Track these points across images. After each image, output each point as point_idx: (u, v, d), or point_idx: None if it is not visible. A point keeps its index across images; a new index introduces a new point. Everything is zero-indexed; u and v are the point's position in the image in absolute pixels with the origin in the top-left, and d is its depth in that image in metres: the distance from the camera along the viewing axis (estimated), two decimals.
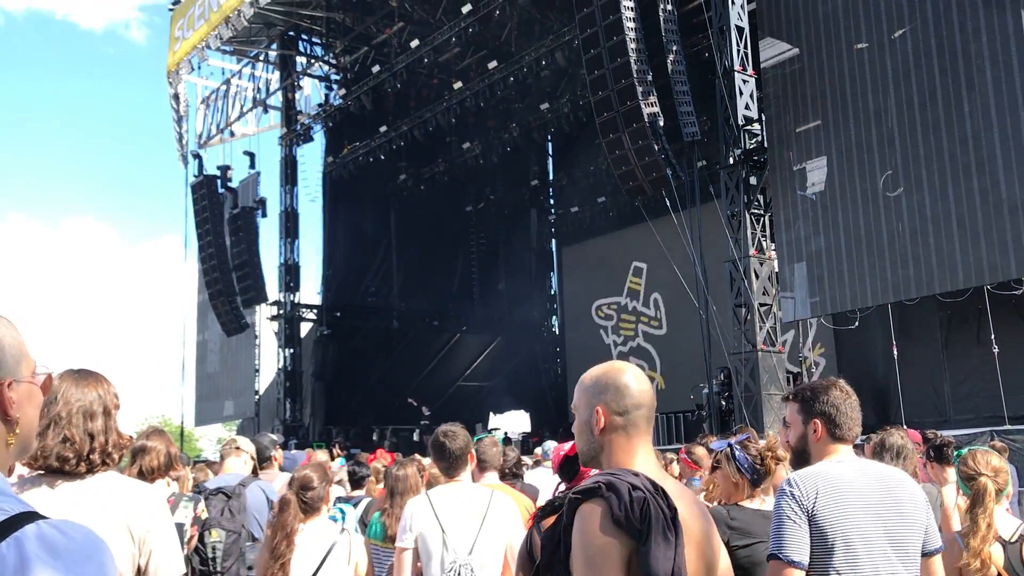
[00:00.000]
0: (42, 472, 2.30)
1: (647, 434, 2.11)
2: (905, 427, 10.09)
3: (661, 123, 15.17)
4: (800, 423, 2.96)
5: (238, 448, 5.40)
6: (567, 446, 3.12)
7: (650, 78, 15.20)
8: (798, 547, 2.66)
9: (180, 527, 4.58)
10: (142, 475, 4.21)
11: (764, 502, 3.47)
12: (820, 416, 2.89)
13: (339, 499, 6.67)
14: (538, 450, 9.58)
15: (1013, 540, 3.50)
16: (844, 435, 2.87)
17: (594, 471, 2.13)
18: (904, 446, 4.62)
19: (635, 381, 2.13)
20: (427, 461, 5.19)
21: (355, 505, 6.13)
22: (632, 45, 14.88)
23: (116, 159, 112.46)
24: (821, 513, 2.68)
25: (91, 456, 2.32)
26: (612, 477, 1.91)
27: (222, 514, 4.77)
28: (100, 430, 2.34)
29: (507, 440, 23.57)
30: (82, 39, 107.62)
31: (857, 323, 14.58)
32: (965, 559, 3.46)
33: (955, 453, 4.03)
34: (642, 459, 2.07)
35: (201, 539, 4.66)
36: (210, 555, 4.65)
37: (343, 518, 5.78)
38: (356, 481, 6.91)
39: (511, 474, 6.58)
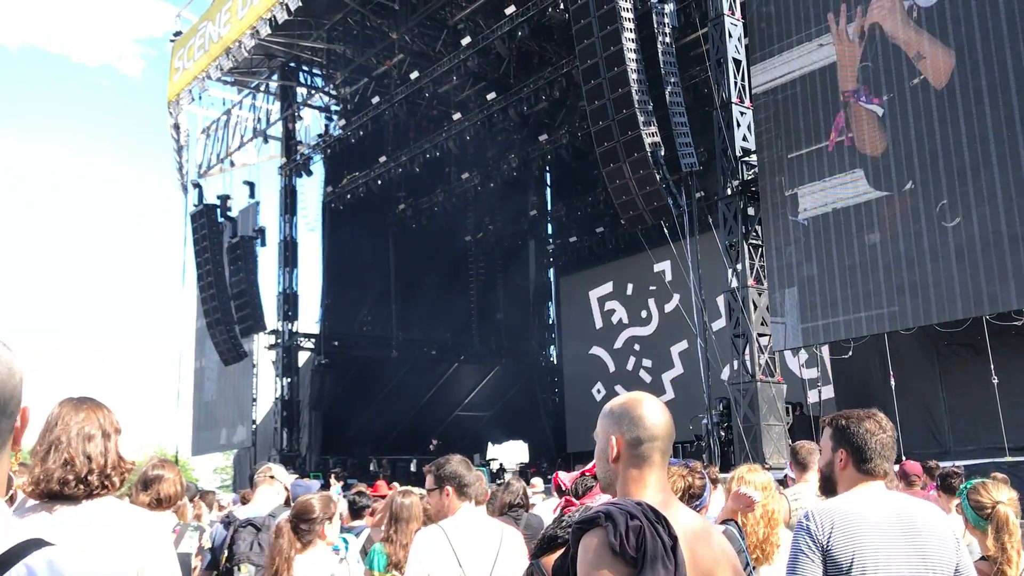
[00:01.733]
0: (41, 498, 2.29)
1: (660, 466, 2.13)
2: (905, 458, 10.07)
3: (662, 153, 15.27)
4: (829, 450, 2.95)
5: (272, 477, 5.13)
6: (572, 475, 3.18)
7: (651, 108, 15.32)
8: None
9: (187, 557, 4.49)
10: (158, 503, 4.14)
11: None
12: (848, 446, 2.88)
13: (341, 528, 6.62)
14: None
15: None
16: (871, 469, 2.84)
17: (599, 498, 2.14)
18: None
19: (652, 413, 2.14)
20: (417, 491, 5.12)
21: (356, 535, 6.08)
22: (633, 76, 15.02)
23: (112, 191, 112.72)
24: (836, 547, 2.68)
25: (89, 478, 2.30)
26: (612, 506, 1.91)
27: (251, 548, 4.52)
28: (99, 452, 2.33)
29: (500, 471, 23.48)
30: (76, 72, 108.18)
31: (851, 352, 14.58)
32: None
33: (963, 485, 4.00)
34: (652, 489, 2.09)
35: (230, 574, 4.48)
36: None
37: (346, 547, 5.73)
38: (356, 511, 6.85)
39: (516, 506, 6.47)
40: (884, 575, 2.65)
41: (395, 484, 8.08)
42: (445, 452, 4.24)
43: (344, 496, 8.79)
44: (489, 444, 29.43)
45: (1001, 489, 3.61)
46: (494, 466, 25.02)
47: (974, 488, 3.64)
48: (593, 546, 1.86)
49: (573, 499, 3.09)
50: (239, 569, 4.51)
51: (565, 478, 3.42)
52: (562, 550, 2.70)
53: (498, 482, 12.52)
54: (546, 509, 6.93)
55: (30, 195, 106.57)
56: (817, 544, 2.70)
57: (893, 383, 14.10)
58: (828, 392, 18.24)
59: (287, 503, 5.11)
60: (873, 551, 2.67)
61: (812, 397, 16.67)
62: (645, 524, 1.85)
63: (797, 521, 2.84)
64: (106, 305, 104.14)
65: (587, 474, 3.17)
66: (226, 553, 4.66)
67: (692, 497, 3.61)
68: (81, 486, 2.28)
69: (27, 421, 1.39)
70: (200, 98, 25.92)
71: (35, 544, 1.24)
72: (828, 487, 2.96)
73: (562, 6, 18.60)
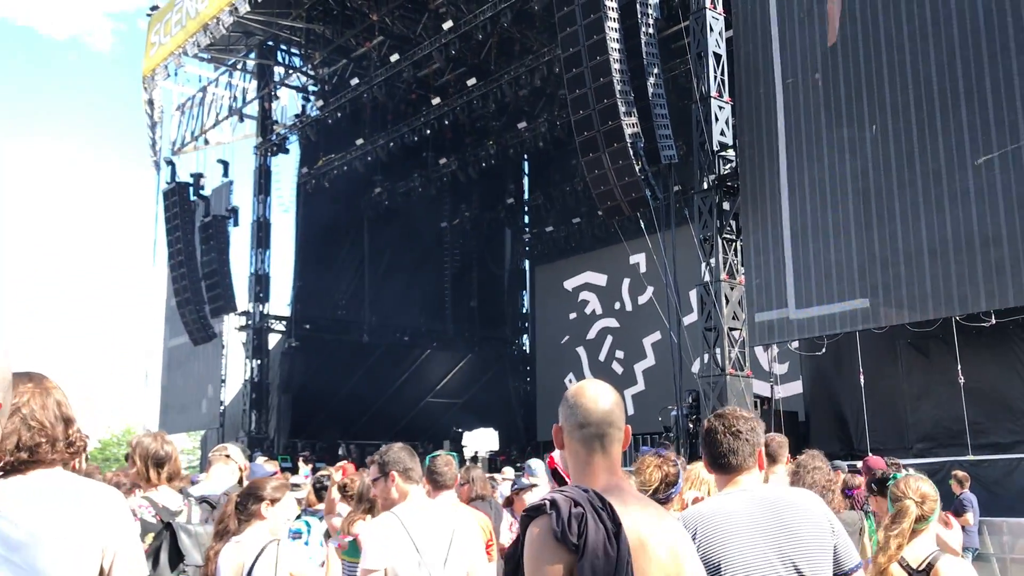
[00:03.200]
0: None
1: (603, 451, 2.15)
2: (869, 454, 10.17)
3: (642, 144, 15.25)
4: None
5: (227, 456, 5.21)
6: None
7: (632, 98, 15.28)
8: None
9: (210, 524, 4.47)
10: (170, 479, 4.14)
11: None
12: (704, 449, 2.95)
13: (305, 511, 6.56)
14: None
15: (920, 568, 3.46)
16: (723, 466, 2.87)
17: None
18: (817, 467, 4.86)
19: (590, 400, 2.18)
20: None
21: (321, 518, 6.03)
22: (616, 65, 14.96)
23: (82, 166, 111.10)
24: (701, 551, 2.61)
25: (42, 448, 2.22)
26: (557, 494, 1.97)
27: (205, 523, 4.52)
28: (53, 421, 2.25)
29: (474, 459, 23.48)
30: (44, 46, 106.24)
31: (824, 350, 14.70)
32: (869, 574, 3.43)
33: (892, 475, 4.05)
34: (599, 475, 2.12)
35: None
36: None
37: (308, 530, 5.68)
38: (320, 493, 6.79)
39: (480, 497, 6.47)
40: (756, 569, 2.64)
41: (362, 469, 8.00)
42: (407, 439, 4.28)
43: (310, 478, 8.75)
44: (460, 431, 29.43)
45: (922, 484, 3.65)
46: (466, 453, 25.03)
47: (898, 481, 3.70)
48: (537, 533, 1.94)
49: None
50: None
51: (561, 462, 3.40)
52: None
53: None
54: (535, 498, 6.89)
55: None
56: None
57: (862, 380, 14.25)
58: (796, 388, 18.43)
59: (240, 483, 5.10)
60: (738, 550, 2.66)
61: (779, 392, 16.79)
62: (588, 511, 1.92)
63: None
64: (75, 283, 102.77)
65: None
66: None
67: (667, 485, 3.63)
68: (25, 455, 2.20)
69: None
70: (176, 74, 25.57)
71: None
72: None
73: None
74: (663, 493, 3.61)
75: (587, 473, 2.13)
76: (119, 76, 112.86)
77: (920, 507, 3.54)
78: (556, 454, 3.19)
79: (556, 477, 3.23)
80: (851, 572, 2.77)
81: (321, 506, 6.63)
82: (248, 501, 3.98)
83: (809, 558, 2.68)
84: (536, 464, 6.16)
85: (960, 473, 10.96)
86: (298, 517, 6.26)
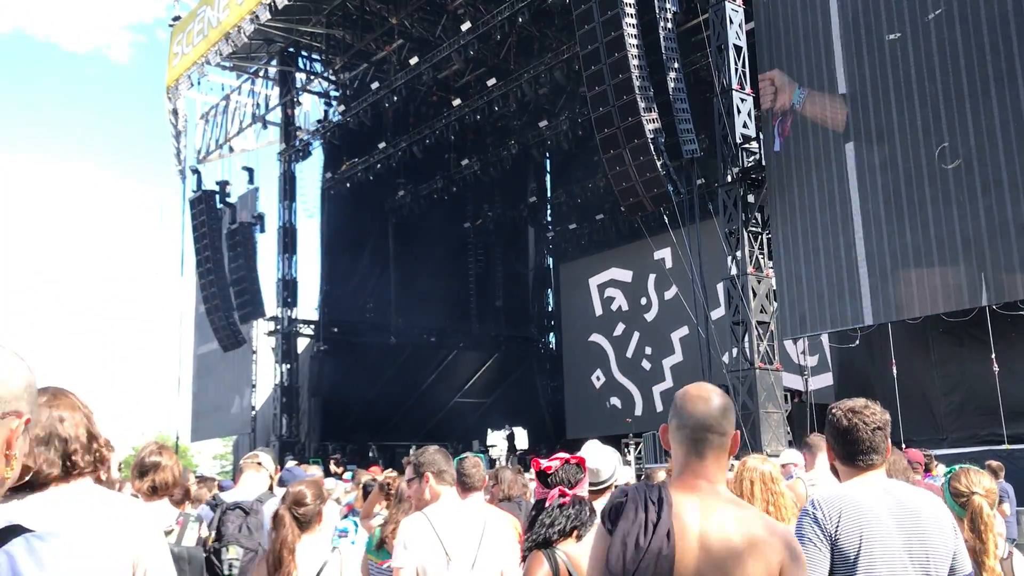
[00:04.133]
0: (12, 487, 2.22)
1: (696, 454, 2.22)
2: (904, 447, 10.06)
3: (662, 139, 15.19)
4: (826, 442, 2.99)
5: (259, 463, 5.25)
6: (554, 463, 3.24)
7: (651, 94, 15.23)
8: (818, 571, 2.64)
9: (196, 551, 4.45)
10: (154, 491, 4.12)
11: None
12: (833, 438, 2.90)
13: (353, 512, 6.60)
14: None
15: (1004, 557, 3.44)
16: (859, 461, 2.83)
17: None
18: (903, 467, 4.78)
19: (690, 403, 2.28)
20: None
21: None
22: (634, 62, 14.91)
23: (103, 178, 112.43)
24: (843, 537, 2.66)
25: (67, 462, 2.24)
26: (626, 486, 2.19)
27: (240, 531, 4.59)
28: (75, 435, 2.27)
29: (491, 463, 23.50)
30: (64, 60, 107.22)
31: (858, 341, 14.55)
32: None
33: (946, 471, 3.99)
34: (687, 476, 2.21)
35: (218, 555, 4.51)
36: (226, 572, 4.48)
37: (355, 529, 5.72)
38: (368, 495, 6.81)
39: (508, 498, 6.45)
40: (887, 565, 2.63)
41: (390, 470, 8.04)
42: (437, 440, 4.28)
43: (352, 482, 8.82)
44: (488, 430, 29.46)
45: (981, 478, 3.60)
46: (493, 453, 25.06)
47: (955, 475, 3.66)
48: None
49: (566, 489, 3.10)
50: (227, 550, 4.54)
51: (552, 467, 3.41)
52: (574, 535, 3.03)
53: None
54: None
55: (19, 190, 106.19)
56: (826, 533, 2.67)
57: (895, 371, 14.08)
58: (827, 380, 18.25)
59: (271, 489, 5.15)
60: (879, 541, 2.65)
61: (811, 385, 16.65)
62: (634, 502, 2.11)
63: (802, 509, 2.80)
64: (105, 294, 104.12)
65: (571, 462, 3.22)
66: (212, 534, 4.69)
67: None
68: (55, 469, 2.22)
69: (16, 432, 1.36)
70: (199, 83, 25.84)
71: (14, 531, 1.20)
72: (837, 476, 2.97)
73: None
74: None
75: (679, 473, 2.24)
76: (140, 87, 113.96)
77: (987, 500, 3.51)
78: (542, 461, 3.27)
79: (540, 478, 3.22)
80: None
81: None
82: (302, 509, 4.04)
83: (936, 560, 2.69)
84: None
85: (994, 463, 10.77)
86: (345, 517, 6.32)
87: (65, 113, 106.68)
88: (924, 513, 2.74)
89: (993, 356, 12.88)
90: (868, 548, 2.64)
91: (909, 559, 2.65)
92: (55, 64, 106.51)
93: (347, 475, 11.30)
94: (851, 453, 2.84)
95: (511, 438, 27.45)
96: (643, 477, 7.59)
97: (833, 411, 2.92)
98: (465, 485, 4.54)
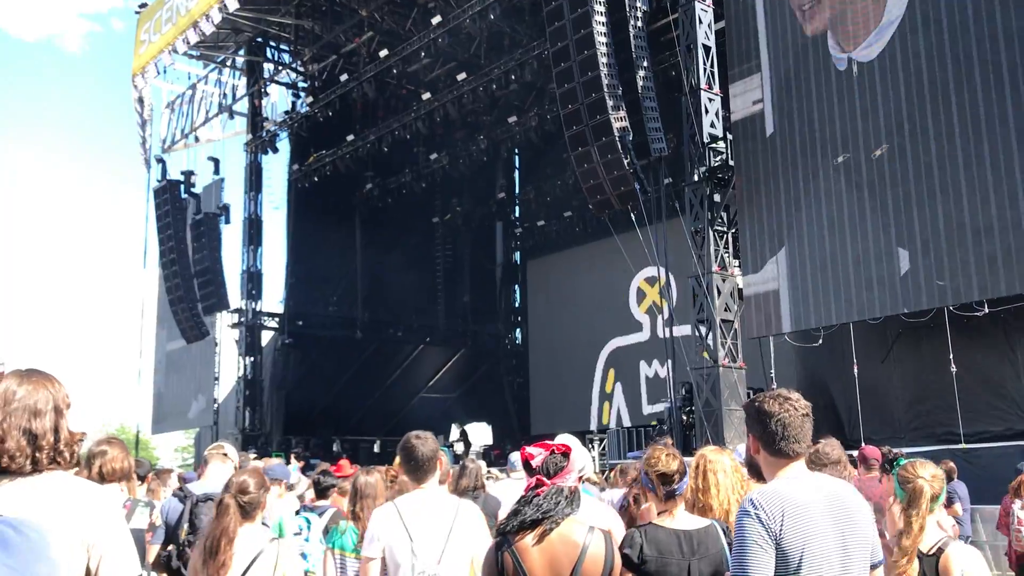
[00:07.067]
0: None
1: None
2: (864, 444, 10.20)
3: (630, 138, 15.25)
4: (749, 436, 2.87)
5: (224, 454, 5.29)
6: (541, 452, 3.17)
7: (620, 92, 15.28)
8: (762, 573, 2.53)
9: (139, 533, 4.44)
10: (101, 478, 4.10)
11: (674, 517, 3.40)
12: (754, 429, 2.79)
13: (304, 507, 6.57)
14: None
15: (931, 553, 3.45)
16: (780, 450, 2.71)
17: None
18: (840, 457, 4.87)
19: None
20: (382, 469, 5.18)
21: (320, 515, 6.03)
22: (603, 59, 14.96)
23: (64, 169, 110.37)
24: (787, 538, 2.54)
25: (37, 455, 2.21)
26: None
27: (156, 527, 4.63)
28: (49, 428, 2.24)
29: (456, 458, 23.48)
30: (13, 48, 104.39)
31: (821, 341, 14.73)
32: (895, 557, 3.41)
33: (897, 461, 4.08)
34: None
35: (191, 545, 4.49)
36: None
37: (308, 526, 5.69)
38: (321, 491, 6.79)
39: (472, 488, 6.48)
40: (827, 564, 2.58)
41: (357, 465, 8.00)
42: (405, 433, 4.22)
43: (308, 476, 8.75)
44: (453, 426, 29.44)
45: (929, 466, 3.68)
46: (458, 448, 25.04)
47: (904, 465, 3.73)
48: None
49: (544, 479, 3.06)
50: None
51: (536, 455, 3.37)
52: (538, 530, 2.91)
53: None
54: (502, 489, 6.90)
55: None
56: (771, 534, 2.54)
57: (856, 371, 14.29)
58: (791, 380, 18.43)
59: None
60: (818, 542, 2.57)
61: (775, 384, 16.81)
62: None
63: (740, 510, 2.66)
64: (64, 285, 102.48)
65: (557, 451, 3.14)
66: (186, 527, 4.66)
67: (680, 475, 3.48)
68: (28, 463, 2.20)
69: None
70: (165, 72, 25.48)
71: None
72: (753, 471, 2.93)
73: None
74: (677, 484, 3.45)
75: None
76: (93, 77, 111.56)
77: (931, 485, 3.56)
78: (531, 449, 3.20)
79: (528, 469, 3.17)
80: (876, 566, 2.78)
81: (321, 503, 6.62)
82: (246, 497, 3.99)
83: (862, 550, 2.67)
84: (516, 457, 6.16)
85: (947, 464, 11.00)
86: (297, 513, 6.28)
87: (15, 100, 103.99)
88: (852, 506, 2.71)
89: (951, 357, 13.13)
90: (810, 550, 2.54)
91: (843, 557, 2.61)
92: (2, 50, 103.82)
93: (293, 467, 11.17)
94: (779, 440, 2.69)
95: (464, 435, 27.44)
96: (617, 471, 7.56)
97: (758, 399, 2.80)
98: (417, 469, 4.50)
